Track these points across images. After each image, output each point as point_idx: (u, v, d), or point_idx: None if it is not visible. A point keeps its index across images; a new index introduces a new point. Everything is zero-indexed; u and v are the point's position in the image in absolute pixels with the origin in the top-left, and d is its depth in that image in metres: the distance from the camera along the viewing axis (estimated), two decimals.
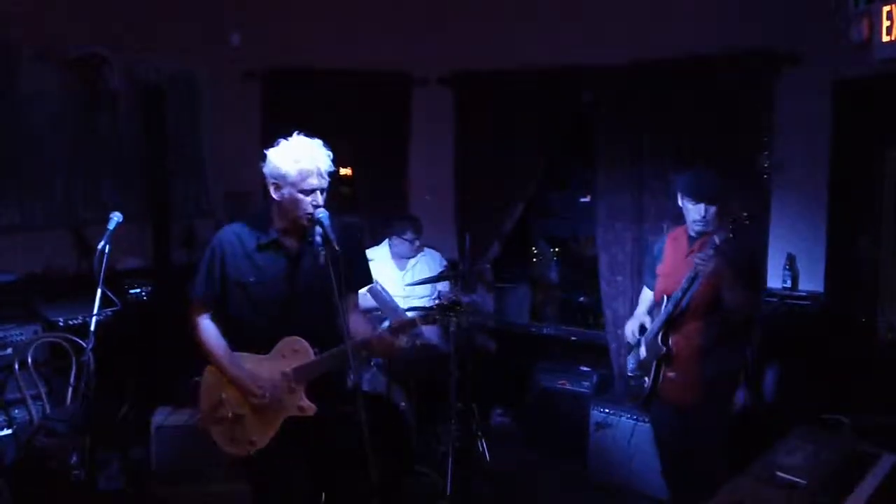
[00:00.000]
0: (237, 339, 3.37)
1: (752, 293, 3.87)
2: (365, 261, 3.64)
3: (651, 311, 4.19)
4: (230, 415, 3.31)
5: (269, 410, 3.29)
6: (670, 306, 3.88)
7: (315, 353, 3.28)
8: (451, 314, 3.45)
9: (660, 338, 3.93)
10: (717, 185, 3.90)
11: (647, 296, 4.29)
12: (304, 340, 3.29)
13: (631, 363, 4.22)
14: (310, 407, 3.28)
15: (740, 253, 3.78)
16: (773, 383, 4.77)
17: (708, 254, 3.66)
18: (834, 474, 2.92)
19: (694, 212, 3.89)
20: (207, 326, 3.38)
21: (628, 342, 4.28)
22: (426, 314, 3.48)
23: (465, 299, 3.42)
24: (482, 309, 6.29)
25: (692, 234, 3.97)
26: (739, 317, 3.85)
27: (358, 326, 3.43)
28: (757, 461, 3.04)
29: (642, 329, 4.15)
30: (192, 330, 3.40)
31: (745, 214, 3.63)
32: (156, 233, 6.00)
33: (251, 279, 3.32)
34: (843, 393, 4.38)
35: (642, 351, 4.09)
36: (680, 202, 4.00)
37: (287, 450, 3.33)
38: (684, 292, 3.81)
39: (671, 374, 3.95)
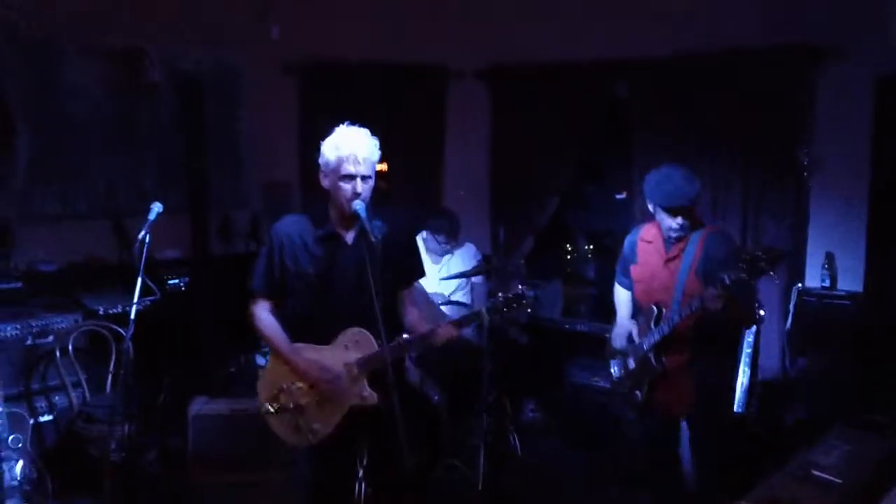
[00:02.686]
0: (298, 330, 3.39)
1: (748, 312, 3.73)
2: (418, 254, 3.67)
3: (635, 317, 3.98)
4: (292, 405, 3.34)
5: (332, 400, 3.33)
6: (665, 328, 3.68)
7: (378, 345, 3.29)
8: (517, 307, 3.35)
9: (653, 358, 3.75)
10: (692, 187, 3.59)
11: (623, 297, 4.08)
12: (366, 331, 3.30)
13: (616, 371, 4.03)
14: (371, 395, 3.31)
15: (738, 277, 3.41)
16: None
17: (714, 294, 3.37)
18: (870, 474, 2.90)
19: (669, 221, 3.67)
20: (268, 319, 3.41)
21: (614, 348, 4.05)
22: (492, 307, 3.36)
23: (529, 293, 3.38)
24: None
25: (668, 238, 3.76)
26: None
27: (415, 320, 3.47)
28: (794, 459, 3.03)
29: (630, 338, 3.95)
30: (253, 322, 3.44)
31: (763, 255, 3.23)
32: (194, 223, 6.05)
33: (310, 270, 3.34)
34: (882, 393, 4.33)
35: (631, 362, 3.91)
36: (650, 207, 3.75)
37: (346, 439, 3.36)
38: (681, 316, 3.59)
39: (663, 388, 3.79)
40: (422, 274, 3.66)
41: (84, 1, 5.42)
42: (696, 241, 3.66)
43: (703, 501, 3.76)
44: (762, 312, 4.25)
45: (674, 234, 3.70)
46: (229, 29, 6.14)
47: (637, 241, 3.95)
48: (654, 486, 4.16)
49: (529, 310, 3.41)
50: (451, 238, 5.45)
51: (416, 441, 3.15)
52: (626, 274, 4.01)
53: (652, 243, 3.86)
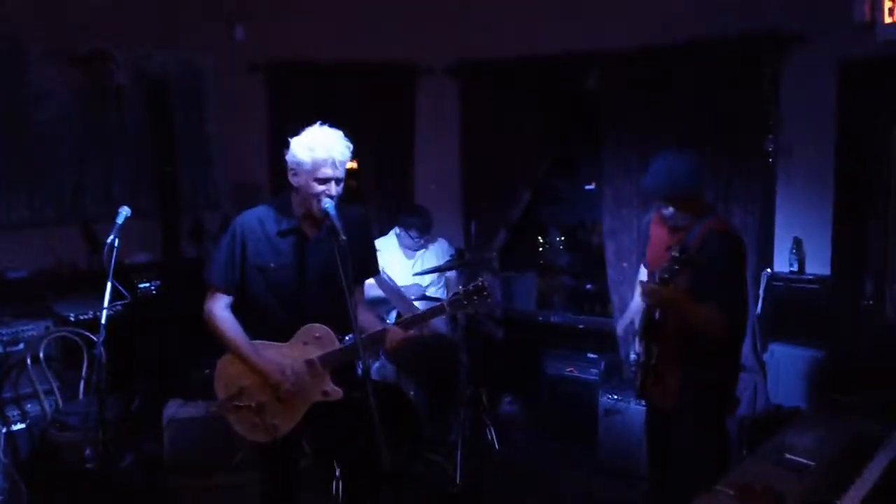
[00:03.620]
0: (254, 326, 3.35)
1: (718, 311, 3.47)
2: (373, 251, 3.66)
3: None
4: (253, 404, 3.30)
5: (293, 397, 3.30)
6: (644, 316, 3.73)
7: (339, 341, 3.29)
8: (478, 299, 3.37)
9: (643, 349, 3.78)
10: (677, 179, 3.50)
11: (642, 277, 4.06)
12: (326, 327, 3.30)
13: (632, 356, 4.02)
14: (335, 391, 3.31)
15: (702, 271, 3.46)
16: None
17: (652, 287, 3.48)
18: (842, 456, 2.93)
19: (662, 207, 3.64)
20: (227, 316, 3.34)
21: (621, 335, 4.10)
22: (453, 301, 3.40)
23: (490, 284, 3.37)
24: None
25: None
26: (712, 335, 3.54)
27: (365, 319, 3.43)
28: (767, 443, 3.06)
29: (632, 325, 3.99)
30: (208, 318, 3.35)
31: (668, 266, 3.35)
32: (164, 226, 6.01)
33: (271, 264, 3.31)
34: (851, 375, 4.39)
35: (636, 347, 3.93)
36: None
37: (306, 435, 3.38)
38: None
39: (654, 379, 3.78)
40: (375, 271, 3.67)
41: (48, 4, 5.35)
42: (695, 235, 3.55)
43: (684, 492, 3.77)
44: None
45: (668, 223, 3.68)
46: (195, 30, 6.09)
47: (651, 221, 3.92)
48: (643, 477, 4.17)
49: (489, 300, 3.39)
50: (424, 233, 5.45)
51: (393, 437, 3.15)
52: (645, 252, 4.00)
53: (660, 226, 3.81)
